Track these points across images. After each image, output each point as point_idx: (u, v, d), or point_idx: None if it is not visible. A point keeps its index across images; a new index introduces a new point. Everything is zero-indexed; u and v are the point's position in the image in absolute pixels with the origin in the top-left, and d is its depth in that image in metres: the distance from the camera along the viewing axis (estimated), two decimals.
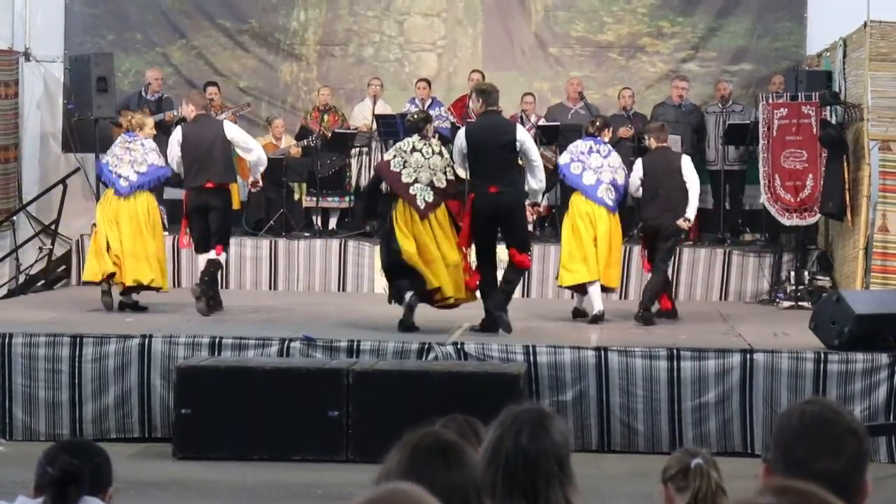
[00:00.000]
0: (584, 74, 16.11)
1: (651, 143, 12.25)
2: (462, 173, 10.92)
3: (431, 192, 10.68)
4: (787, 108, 13.49)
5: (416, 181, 10.69)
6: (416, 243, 10.60)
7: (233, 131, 12.20)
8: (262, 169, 12.31)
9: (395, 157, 10.81)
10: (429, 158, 10.75)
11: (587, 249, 11.71)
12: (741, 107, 15.32)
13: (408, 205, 10.66)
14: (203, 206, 12.00)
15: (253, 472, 9.12)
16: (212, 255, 12.05)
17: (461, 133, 11.02)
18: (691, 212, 11.93)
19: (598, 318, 11.62)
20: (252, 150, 12.18)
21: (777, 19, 16.10)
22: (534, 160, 10.88)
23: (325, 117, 15.65)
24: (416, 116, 11.20)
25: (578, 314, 12.04)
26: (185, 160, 12.00)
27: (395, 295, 10.84)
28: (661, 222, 11.88)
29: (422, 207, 10.64)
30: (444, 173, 10.77)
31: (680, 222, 11.87)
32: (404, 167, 10.69)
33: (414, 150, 10.77)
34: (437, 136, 11.39)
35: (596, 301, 11.72)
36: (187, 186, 12.12)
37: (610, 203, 11.83)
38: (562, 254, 12.00)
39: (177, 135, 12.15)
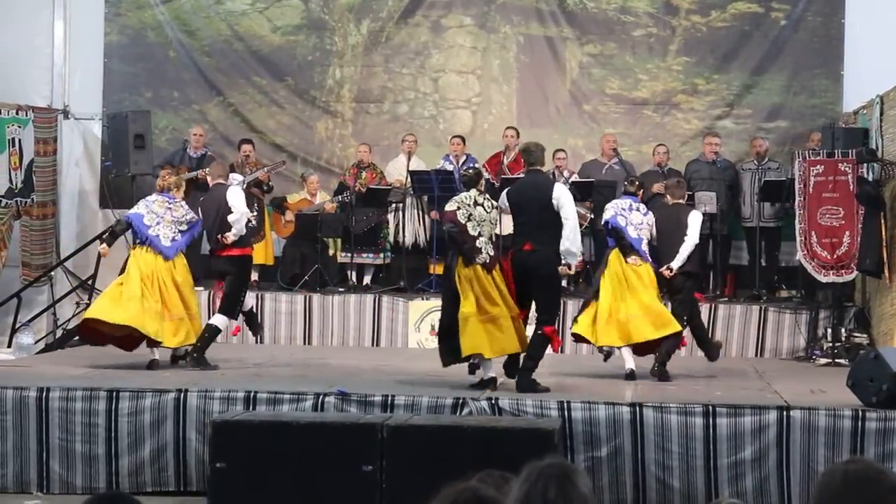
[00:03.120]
0: (618, 131, 16.15)
1: (667, 199, 12.25)
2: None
3: (491, 246, 10.70)
4: (824, 165, 13.46)
5: (479, 235, 10.63)
6: (480, 300, 10.55)
7: (230, 196, 12.08)
8: (233, 231, 11.96)
9: (458, 209, 10.68)
10: (489, 213, 10.73)
11: (623, 310, 11.69)
12: (777, 164, 15.31)
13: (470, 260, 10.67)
14: (217, 273, 12.25)
15: None
16: (215, 319, 12.14)
17: (504, 193, 11.01)
18: (676, 262, 11.86)
19: (631, 377, 11.60)
20: (234, 213, 11.97)
21: (813, 76, 16.11)
22: (567, 217, 10.72)
23: (363, 174, 15.71)
24: (471, 172, 11.18)
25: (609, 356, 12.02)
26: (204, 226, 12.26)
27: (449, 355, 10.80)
28: (672, 279, 11.94)
29: (487, 261, 10.63)
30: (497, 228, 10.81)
31: (662, 269, 11.84)
32: (469, 220, 10.65)
33: (476, 203, 10.72)
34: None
35: (628, 360, 11.71)
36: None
37: (649, 259, 11.85)
38: (599, 310, 11.91)
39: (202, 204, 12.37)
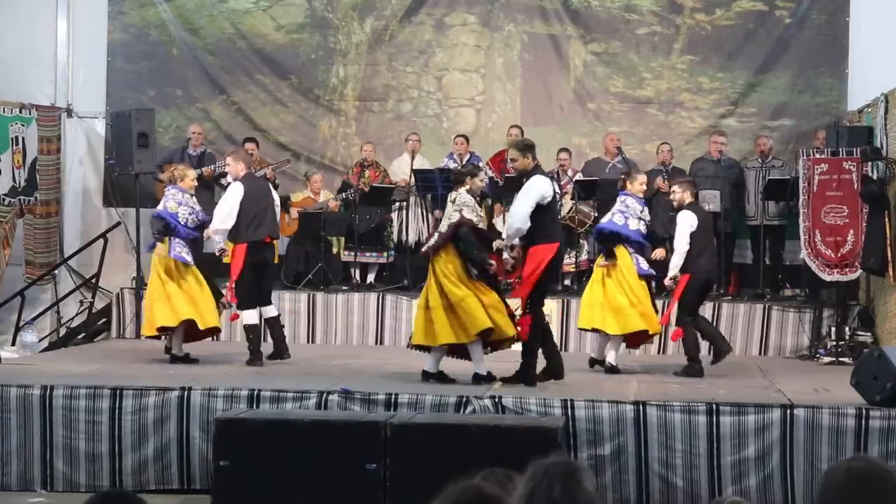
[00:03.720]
0: (622, 130, 16.14)
1: (687, 196, 12.19)
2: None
3: (437, 237, 11.05)
4: (828, 163, 13.44)
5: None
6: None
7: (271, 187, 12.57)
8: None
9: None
10: (452, 212, 10.97)
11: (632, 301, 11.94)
12: (781, 162, 15.30)
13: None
14: (262, 262, 12.18)
15: None
16: (273, 311, 12.55)
17: (546, 182, 11.00)
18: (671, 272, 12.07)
19: (615, 370, 11.95)
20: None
21: (818, 75, 16.09)
22: None
23: (367, 172, 15.70)
24: (461, 169, 11.49)
25: (595, 363, 12.18)
26: (241, 216, 12.08)
27: None
28: (712, 276, 12.05)
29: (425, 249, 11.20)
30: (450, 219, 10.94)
31: (666, 282, 12.05)
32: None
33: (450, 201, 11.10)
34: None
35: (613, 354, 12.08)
36: (245, 240, 12.17)
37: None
38: (617, 303, 12.04)
39: (238, 190, 12.15)
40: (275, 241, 12.61)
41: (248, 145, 15.63)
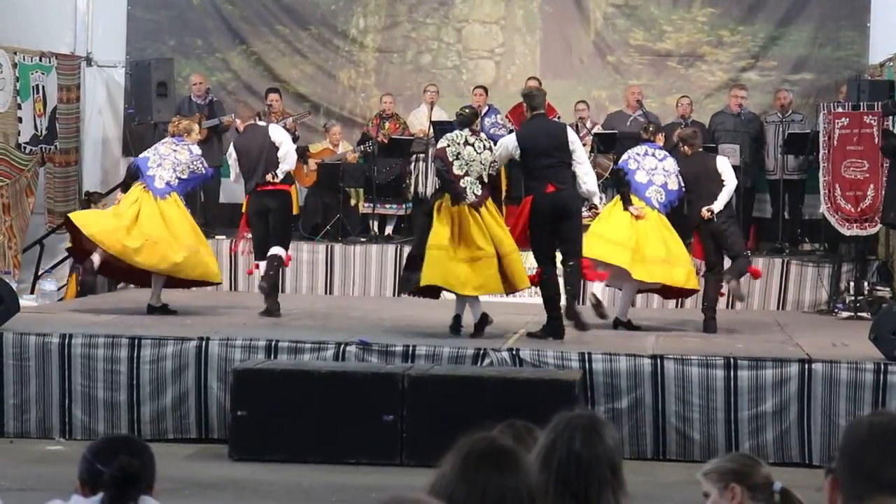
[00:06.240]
0: (642, 83, 16.05)
1: (686, 150, 12.08)
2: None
3: (480, 186, 10.74)
4: (849, 117, 13.38)
5: (466, 174, 10.70)
6: (457, 238, 10.61)
7: (277, 134, 12.29)
8: (283, 167, 12.14)
9: (448, 146, 10.81)
10: (480, 153, 10.78)
11: (624, 235, 11.63)
12: (801, 116, 15.21)
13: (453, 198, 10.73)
14: (262, 210, 12.12)
15: (308, 475, 9.14)
16: (275, 250, 12.15)
17: (511, 137, 11.09)
18: (717, 205, 11.61)
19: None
20: (283, 149, 12.20)
21: (839, 28, 15.95)
22: (581, 161, 10.95)
23: (386, 124, 15.67)
24: (467, 111, 11.21)
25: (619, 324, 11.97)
26: (241, 168, 12.18)
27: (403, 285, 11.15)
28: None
29: (472, 201, 10.66)
30: (491, 168, 10.81)
31: (703, 211, 11.65)
32: (457, 159, 10.72)
33: (466, 143, 10.80)
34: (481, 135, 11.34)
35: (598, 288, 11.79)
36: (247, 192, 12.28)
37: (656, 205, 11.80)
38: (598, 227, 11.87)
39: (231, 150, 12.37)
40: (288, 188, 12.49)
41: (271, 96, 15.56)
